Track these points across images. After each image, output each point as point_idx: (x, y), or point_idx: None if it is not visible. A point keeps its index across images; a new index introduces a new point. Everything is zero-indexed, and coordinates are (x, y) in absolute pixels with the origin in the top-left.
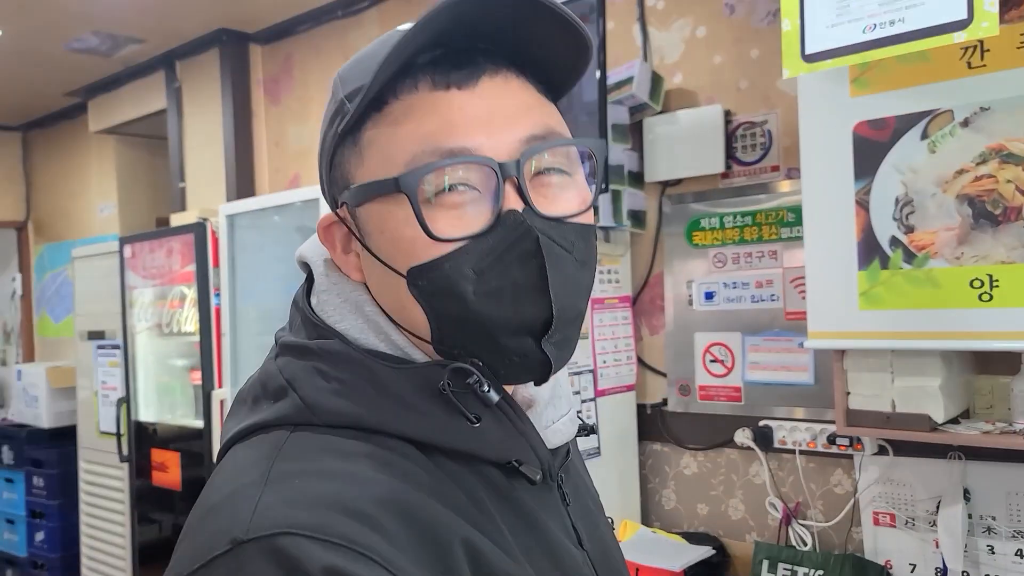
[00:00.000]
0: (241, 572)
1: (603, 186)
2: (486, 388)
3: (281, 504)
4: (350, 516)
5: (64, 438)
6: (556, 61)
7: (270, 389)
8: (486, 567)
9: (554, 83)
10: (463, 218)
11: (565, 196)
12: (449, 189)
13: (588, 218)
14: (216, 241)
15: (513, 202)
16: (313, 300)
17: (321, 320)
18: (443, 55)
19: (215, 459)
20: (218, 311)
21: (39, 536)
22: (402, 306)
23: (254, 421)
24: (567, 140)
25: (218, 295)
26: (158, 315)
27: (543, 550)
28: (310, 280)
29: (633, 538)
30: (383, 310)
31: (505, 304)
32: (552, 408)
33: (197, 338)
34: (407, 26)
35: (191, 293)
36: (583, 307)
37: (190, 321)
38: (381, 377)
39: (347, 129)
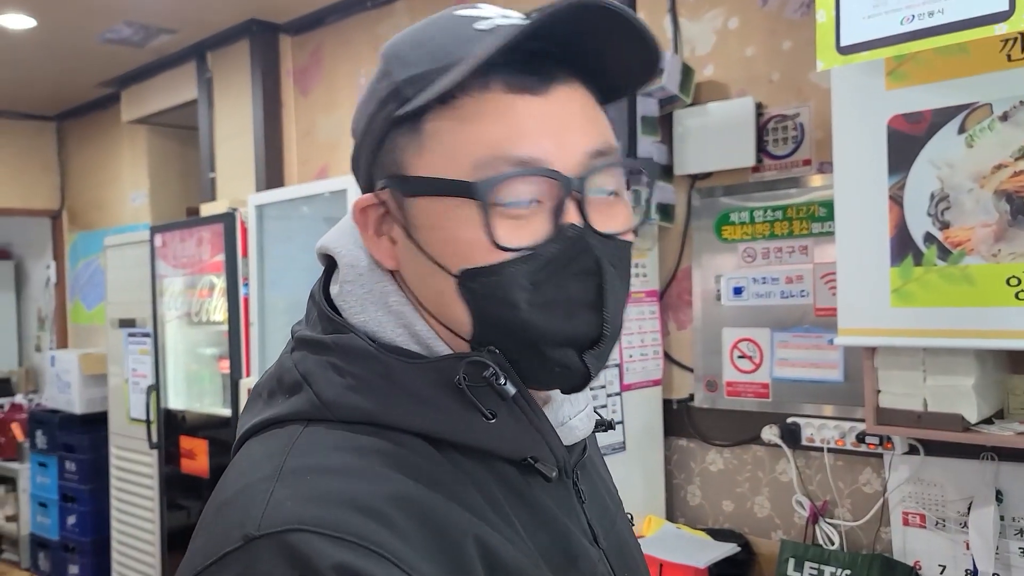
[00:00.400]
0: (252, 568)
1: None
2: (502, 381)
3: (293, 500)
4: (362, 513)
5: (96, 424)
6: (619, 73)
7: (285, 383)
8: (499, 564)
9: (605, 93)
10: (524, 228)
11: (613, 213)
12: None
13: (631, 236)
14: (245, 231)
15: (573, 216)
16: (334, 289)
17: (337, 314)
18: (518, 57)
19: (232, 451)
20: (246, 300)
21: (71, 520)
22: (444, 303)
23: (269, 415)
24: (630, 161)
25: (246, 284)
26: (188, 304)
27: (558, 548)
28: (328, 273)
29: (657, 533)
30: (410, 299)
31: (557, 317)
32: (569, 404)
33: (226, 327)
34: (467, 12)
35: (220, 282)
36: (622, 322)
37: (219, 310)
38: (396, 372)
39: (405, 115)
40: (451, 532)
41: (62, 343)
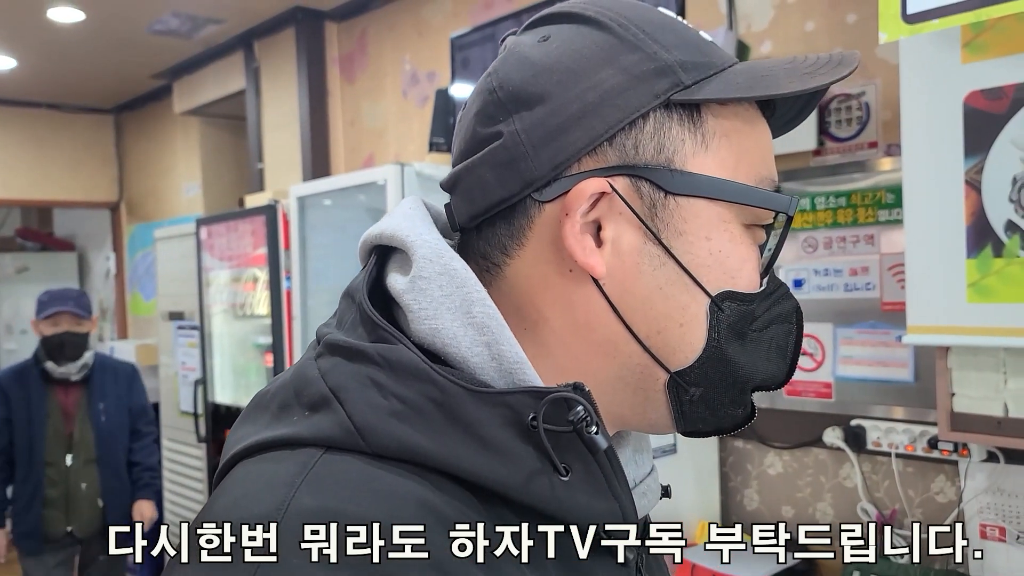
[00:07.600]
0: None
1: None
2: (594, 429)
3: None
4: None
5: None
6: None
7: (305, 397)
8: None
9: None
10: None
11: None
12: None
13: None
14: (287, 223)
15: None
16: (399, 284)
17: (383, 321)
18: None
19: (216, 474)
20: (288, 294)
21: None
22: (675, 323)
23: (278, 435)
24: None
25: (288, 278)
26: (233, 297)
27: None
28: (379, 266)
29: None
30: (500, 311)
31: (762, 357)
32: (635, 465)
33: (270, 321)
34: (666, 12)
35: (263, 276)
36: None
37: (263, 304)
38: (454, 401)
39: (683, 102)
40: None
41: (122, 334)
